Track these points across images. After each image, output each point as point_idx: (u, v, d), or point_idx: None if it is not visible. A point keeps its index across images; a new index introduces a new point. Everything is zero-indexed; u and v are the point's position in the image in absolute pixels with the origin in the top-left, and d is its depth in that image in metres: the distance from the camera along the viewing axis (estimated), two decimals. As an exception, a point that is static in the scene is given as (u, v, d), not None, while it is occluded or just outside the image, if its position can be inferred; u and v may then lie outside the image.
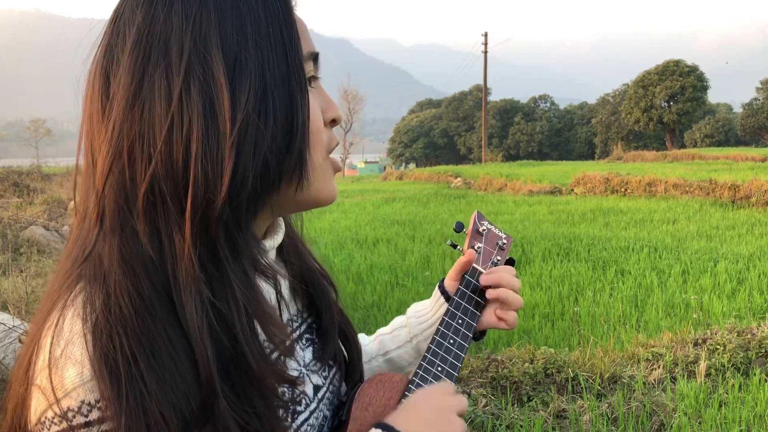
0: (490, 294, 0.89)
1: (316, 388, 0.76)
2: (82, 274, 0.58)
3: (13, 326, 3.46)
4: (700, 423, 3.15)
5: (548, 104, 62.31)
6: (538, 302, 5.46)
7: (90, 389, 0.53)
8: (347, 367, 0.85)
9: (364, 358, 0.95)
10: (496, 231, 0.97)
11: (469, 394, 3.35)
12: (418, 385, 0.81)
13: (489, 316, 0.90)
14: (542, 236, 8.48)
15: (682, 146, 45.56)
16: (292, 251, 0.80)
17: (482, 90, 46.46)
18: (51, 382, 0.54)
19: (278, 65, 0.61)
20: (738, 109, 56.42)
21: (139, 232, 0.58)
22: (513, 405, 3.32)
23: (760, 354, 3.84)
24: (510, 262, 0.96)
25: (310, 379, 0.76)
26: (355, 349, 0.86)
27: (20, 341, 3.21)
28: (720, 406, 3.30)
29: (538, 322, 5.03)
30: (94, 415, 0.53)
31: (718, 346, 3.92)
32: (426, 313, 0.96)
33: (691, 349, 3.95)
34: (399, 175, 30.42)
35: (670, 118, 44.99)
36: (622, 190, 14.60)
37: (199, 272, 0.57)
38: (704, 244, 7.95)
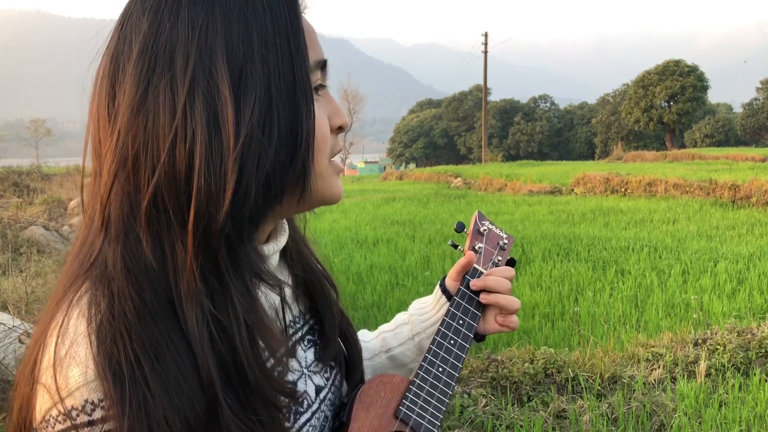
0: (484, 299, 0.89)
1: (318, 389, 0.76)
2: (88, 275, 0.59)
3: (13, 326, 3.46)
4: (700, 423, 3.15)
5: (548, 104, 62.30)
6: (538, 302, 5.46)
7: (94, 389, 0.54)
8: (348, 368, 0.85)
9: (367, 355, 0.96)
10: (497, 231, 0.97)
11: (469, 394, 3.35)
12: (419, 386, 0.81)
13: (490, 323, 0.91)
14: (542, 236, 8.48)
15: (682, 146, 45.55)
16: (295, 253, 0.80)
17: (482, 90, 46.44)
18: (56, 381, 0.54)
19: (284, 77, 0.60)
20: (738, 109, 56.41)
21: (143, 242, 0.58)
22: (513, 405, 3.32)
23: (760, 354, 3.84)
24: (511, 262, 0.96)
25: (311, 379, 0.76)
26: (355, 350, 0.87)
27: (20, 341, 3.21)
28: (720, 406, 3.30)
29: (538, 322, 5.03)
30: (98, 414, 0.53)
31: (718, 346, 3.92)
32: (428, 311, 0.97)
33: (691, 349, 3.95)
34: (399, 175, 30.40)
35: (670, 118, 44.98)
36: (622, 190, 14.60)
37: (201, 284, 0.58)
38: (704, 244, 7.95)
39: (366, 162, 70.17)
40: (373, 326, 1.09)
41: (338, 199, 0.71)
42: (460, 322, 0.87)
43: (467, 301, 0.89)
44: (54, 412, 0.55)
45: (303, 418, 0.72)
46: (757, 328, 4.13)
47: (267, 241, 0.71)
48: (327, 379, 0.79)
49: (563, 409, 3.25)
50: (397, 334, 0.97)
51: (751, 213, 10.68)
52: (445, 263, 7.12)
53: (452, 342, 0.85)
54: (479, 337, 0.92)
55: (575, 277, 6.30)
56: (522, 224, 10.21)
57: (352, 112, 61.19)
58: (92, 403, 0.54)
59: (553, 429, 3.11)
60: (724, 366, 3.75)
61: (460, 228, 0.95)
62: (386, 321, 1.02)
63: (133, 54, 0.58)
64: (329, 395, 0.79)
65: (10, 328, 3.41)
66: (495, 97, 67.17)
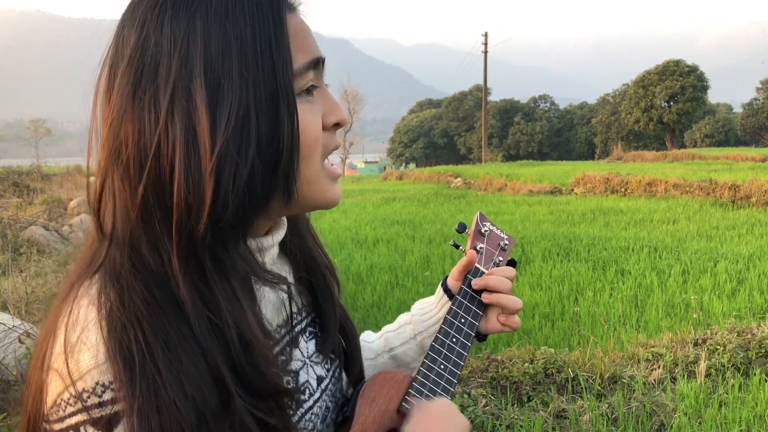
0: (486, 298, 0.90)
1: (320, 379, 0.79)
2: (97, 271, 0.61)
3: (13, 326, 3.46)
4: (700, 423, 3.15)
5: (548, 104, 62.29)
6: (538, 302, 5.46)
7: (104, 371, 0.55)
8: (347, 361, 0.87)
9: (370, 355, 0.97)
10: (498, 232, 0.98)
11: (469, 394, 3.35)
12: (421, 383, 0.82)
13: (492, 323, 0.92)
14: (542, 236, 8.48)
15: (682, 146, 45.55)
16: (297, 245, 0.81)
17: (482, 90, 46.44)
18: (67, 366, 0.56)
19: (265, 85, 0.60)
20: (738, 109, 56.41)
21: (142, 247, 0.60)
22: (513, 405, 3.32)
23: (760, 354, 3.84)
24: (511, 263, 0.97)
25: (313, 370, 0.78)
26: (354, 343, 0.88)
27: (20, 341, 3.21)
28: (720, 406, 3.30)
29: (538, 322, 5.03)
30: (108, 395, 0.55)
31: (718, 346, 3.92)
32: (430, 310, 0.98)
33: (691, 349, 3.95)
34: (399, 175, 30.42)
35: (670, 118, 44.98)
36: (622, 190, 14.60)
37: (192, 289, 0.59)
38: (704, 244, 7.96)
39: (366, 162, 70.21)
40: (372, 326, 1.10)
41: (334, 204, 0.71)
42: (462, 320, 0.88)
43: (469, 300, 0.90)
44: (65, 396, 0.56)
45: (305, 407, 0.74)
46: (757, 328, 4.12)
47: (266, 234, 0.72)
48: (327, 370, 0.81)
49: (563, 409, 3.25)
50: (399, 334, 0.99)
51: (751, 213, 10.68)
52: (445, 263, 7.13)
53: (454, 340, 0.86)
54: (481, 337, 0.93)
55: (575, 277, 6.30)
56: (522, 224, 10.21)
57: (352, 112, 61.18)
58: (102, 385, 0.55)
59: (553, 429, 3.11)
60: (724, 366, 3.75)
61: (462, 229, 0.96)
62: (386, 321, 1.03)
63: (123, 64, 0.60)
64: (330, 386, 0.81)
65: (10, 328, 3.41)
66: (495, 97, 67.24)
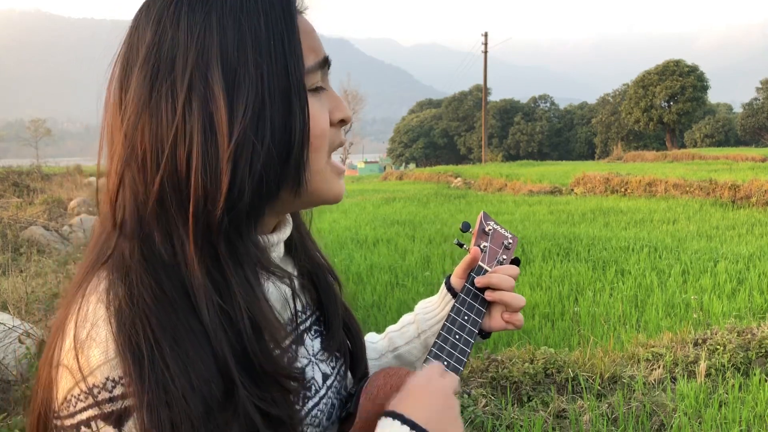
0: (489, 296, 0.91)
1: (325, 376, 0.80)
2: (105, 266, 0.62)
3: (13, 326, 3.46)
4: (700, 423, 3.15)
5: (548, 104, 62.31)
6: (538, 302, 5.46)
7: (114, 366, 0.56)
8: (352, 359, 0.88)
9: (375, 355, 0.99)
10: (502, 231, 1.00)
11: (469, 394, 3.35)
12: None
13: (496, 320, 0.93)
14: (542, 236, 8.48)
15: (682, 146, 45.57)
16: (300, 247, 0.83)
17: (482, 90, 46.42)
18: (78, 362, 0.57)
19: (278, 78, 0.63)
20: (738, 109, 56.41)
21: (155, 237, 0.62)
22: (513, 405, 3.32)
23: (760, 354, 3.84)
24: (515, 261, 0.98)
25: (318, 367, 0.80)
26: (358, 341, 0.90)
27: (20, 341, 3.21)
28: (720, 406, 3.30)
29: (538, 322, 5.03)
30: (118, 390, 0.56)
31: (718, 346, 3.92)
32: (434, 309, 0.99)
33: (691, 349, 3.95)
34: (399, 175, 30.41)
35: (670, 118, 44.98)
36: (622, 190, 14.60)
37: (206, 277, 0.61)
38: (704, 244, 7.96)
39: (366, 162, 70.17)
40: (372, 326, 1.11)
41: (338, 199, 0.74)
42: (465, 317, 0.89)
43: (472, 298, 0.91)
44: (76, 392, 0.57)
45: (311, 403, 0.76)
46: (757, 328, 4.13)
47: (272, 232, 0.74)
48: (333, 368, 0.82)
49: (563, 409, 3.25)
50: (403, 334, 1.00)
51: (751, 213, 10.68)
52: (445, 263, 7.13)
53: (457, 337, 0.87)
54: (484, 334, 0.94)
55: (575, 277, 6.30)
56: (522, 224, 10.21)
57: (352, 112, 61.05)
58: (113, 380, 0.56)
59: (553, 429, 3.11)
60: (724, 366, 3.75)
61: (466, 228, 0.97)
62: (386, 321, 1.04)
63: (139, 61, 0.62)
64: (335, 383, 0.82)
65: (10, 328, 3.41)
66: (495, 97, 67.28)
